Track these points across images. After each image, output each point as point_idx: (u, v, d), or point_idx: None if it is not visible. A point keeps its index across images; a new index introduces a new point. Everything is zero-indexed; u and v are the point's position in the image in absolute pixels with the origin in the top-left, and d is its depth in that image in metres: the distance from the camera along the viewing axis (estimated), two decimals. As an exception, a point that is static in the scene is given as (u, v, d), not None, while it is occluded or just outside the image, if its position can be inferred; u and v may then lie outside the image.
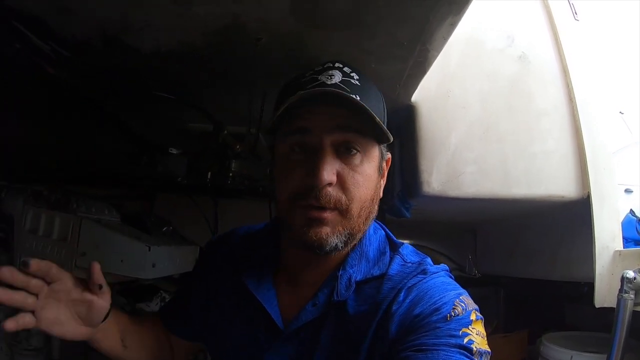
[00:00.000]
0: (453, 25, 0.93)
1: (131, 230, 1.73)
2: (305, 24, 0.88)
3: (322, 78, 0.85)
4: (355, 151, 0.85)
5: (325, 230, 0.84)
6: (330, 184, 0.83)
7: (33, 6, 0.84)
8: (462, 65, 1.43)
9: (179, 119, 1.45)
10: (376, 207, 0.92)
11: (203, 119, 1.37)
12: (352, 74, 0.87)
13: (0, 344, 1.52)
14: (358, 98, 0.82)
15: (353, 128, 0.84)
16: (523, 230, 2.01)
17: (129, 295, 1.96)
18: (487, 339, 0.84)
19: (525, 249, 2.03)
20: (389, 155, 0.96)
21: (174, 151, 1.63)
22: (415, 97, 1.34)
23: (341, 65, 0.89)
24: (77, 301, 0.92)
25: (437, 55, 1.05)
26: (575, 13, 1.64)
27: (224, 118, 1.41)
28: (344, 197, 0.84)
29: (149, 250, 1.56)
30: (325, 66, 0.88)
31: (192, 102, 1.25)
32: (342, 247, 0.86)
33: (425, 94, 1.37)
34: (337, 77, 0.85)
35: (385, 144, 0.93)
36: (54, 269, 0.87)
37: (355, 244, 0.93)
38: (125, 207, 1.96)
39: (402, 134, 1.47)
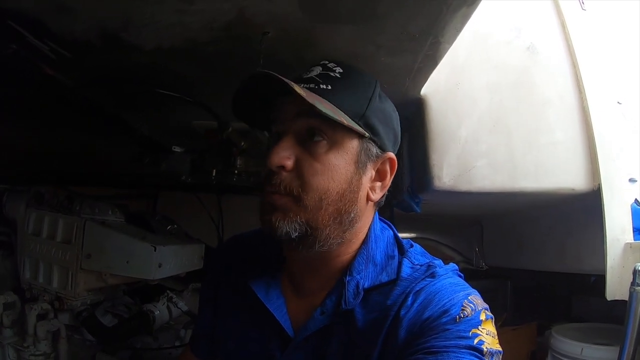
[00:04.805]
0: (466, 17, 0.90)
1: (136, 230, 1.72)
2: (314, 17, 0.86)
3: (302, 74, 0.85)
4: (319, 138, 0.82)
5: (276, 215, 0.82)
6: (283, 168, 0.82)
7: (30, 5, 0.81)
8: (470, 57, 1.41)
9: (183, 117, 1.43)
10: (357, 207, 0.87)
11: (207, 116, 1.34)
12: (335, 68, 0.85)
13: (8, 349, 1.51)
14: (329, 87, 0.82)
15: (313, 113, 0.79)
16: (531, 222, 2.00)
17: (135, 296, 1.95)
18: (496, 332, 0.82)
19: (534, 241, 2.01)
20: (390, 155, 0.90)
21: (178, 149, 1.62)
22: (425, 90, 1.32)
23: (327, 62, 0.87)
24: None
25: (448, 48, 1.02)
26: (583, 2, 1.61)
27: (229, 114, 1.38)
28: (297, 183, 0.82)
29: (155, 250, 1.55)
30: (314, 64, 0.87)
31: (196, 100, 1.23)
32: (296, 236, 0.82)
33: (434, 86, 1.34)
34: (316, 71, 0.85)
35: (383, 142, 0.88)
36: None
37: (358, 248, 0.91)
38: (128, 207, 1.94)
39: (412, 128, 1.44)
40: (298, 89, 0.77)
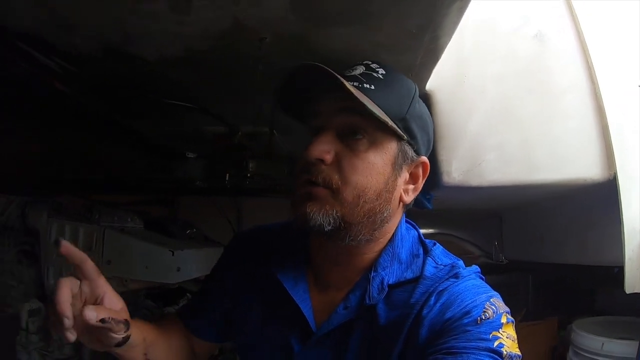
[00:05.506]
0: (462, 9, 0.89)
1: (154, 236, 1.75)
2: (307, 21, 0.86)
3: (345, 72, 0.86)
4: (360, 136, 0.84)
5: (312, 206, 0.83)
6: (323, 161, 0.83)
7: (33, 24, 0.84)
8: (476, 48, 1.38)
9: (193, 124, 1.45)
10: (390, 207, 0.88)
11: (217, 122, 1.37)
12: (377, 69, 0.87)
13: (34, 354, 1.56)
14: (372, 87, 0.83)
15: (358, 111, 0.82)
16: (551, 214, 1.96)
17: (156, 299, 1.98)
18: (516, 327, 0.83)
19: (554, 233, 1.97)
20: (424, 159, 0.92)
21: (191, 155, 1.65)
22: (430, 85, 1.30)
23: (369, 62, 0.89)
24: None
25: (448, 41, 1.01)
26: (591, -15, 1.57)
27: (238, 119, 1.40)
28: (336, 176, 0.83)
29: (173, 255, 1.58)
30: (356, 63, 0.89)
31: (202, 107, 1.25)
32: (328, 229, 0.82)
33: (440, 81, 1.32)
34: (359, 70, 0.87)
35: (419, 146, 0.90)
36: (88, 264, 0.80)
37: (384, 246, 0.91)
38: (148, 213, 1.98)
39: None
40: (349, 86, 0.79)
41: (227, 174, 1.60)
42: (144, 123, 1.44)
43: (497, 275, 2.23)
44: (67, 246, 0.78)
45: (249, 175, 1.57)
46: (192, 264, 1.69)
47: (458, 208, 2.06)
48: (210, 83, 1.15)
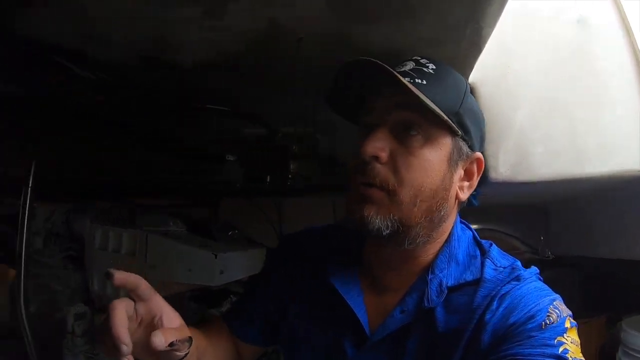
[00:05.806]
0: (505, -1, 0.86)
1: (197, 239, 1.76)
2: (344, 18, 0.84)
3: (395, 68, 0.84)
4: (415, 132, 0.82)
5: (369, 209, 0.81)
6: (377, 159, 0.82)
7: (69, 39, 0.85)
8: (518, 37, 1.31)
9: (233, 127, 1.45)
10: (447, 205, 0.86)
11: (258, 124, 1.37)
12: (427, 64, 0.86)
13: (80, 357, 1.59)
14: (424, 82, 0.82)
15: (412, 107, 0.80)
16: (600, 207, 1.87)
17: (200, 301, 2.00)
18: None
19: (604, 227, 1.88)
20: (478, 155, 0.90)
21: (231, 158, 1.65)
22: (473, 78, 1.25)
23: (419, 58, 0.87)
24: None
25: (491, 32, 0.97)
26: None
27: (278, 120, 1.39)
28: (392, 177, 0.81)
29: (216, 257, 1.59)
30: (405, 59, 0.88)
31: (240, 110, 1.24)
32: (387, 233, 0.81)
33: (483, 72, 1.27)
34: (409, 66, 0.85)
35: (473, 142, 0.89)
36: (143, 286, 0.78)
37: (440, 247, 0.90)
38: (190, 216, 2.00)
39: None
40: (405, 81, 0.78)
41: (268, 176, 1.59)
42: (184, 128, 1.45)
43: (543, 272, 2.15)
44: (120, 277, 0.75)
45: (290, 176, 1.56)
46: (235, 266, 1.70)
47: (504, 203, 2.00)
48: (248, 85, 1.14)
